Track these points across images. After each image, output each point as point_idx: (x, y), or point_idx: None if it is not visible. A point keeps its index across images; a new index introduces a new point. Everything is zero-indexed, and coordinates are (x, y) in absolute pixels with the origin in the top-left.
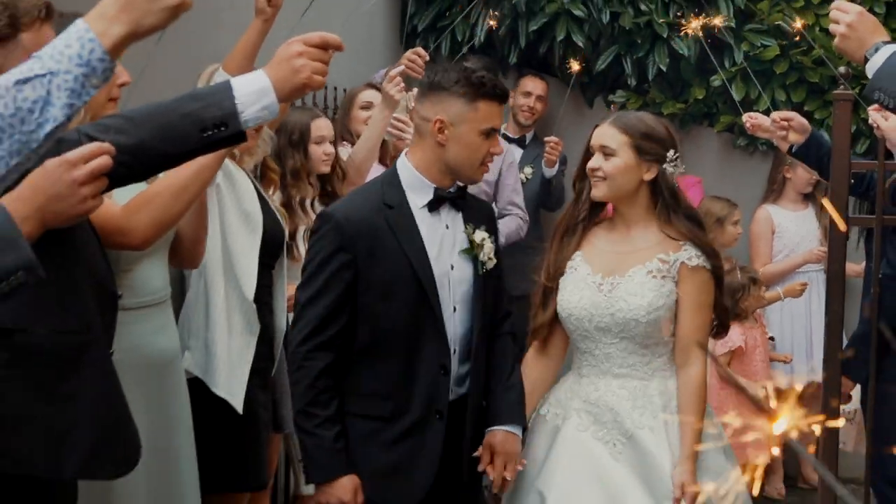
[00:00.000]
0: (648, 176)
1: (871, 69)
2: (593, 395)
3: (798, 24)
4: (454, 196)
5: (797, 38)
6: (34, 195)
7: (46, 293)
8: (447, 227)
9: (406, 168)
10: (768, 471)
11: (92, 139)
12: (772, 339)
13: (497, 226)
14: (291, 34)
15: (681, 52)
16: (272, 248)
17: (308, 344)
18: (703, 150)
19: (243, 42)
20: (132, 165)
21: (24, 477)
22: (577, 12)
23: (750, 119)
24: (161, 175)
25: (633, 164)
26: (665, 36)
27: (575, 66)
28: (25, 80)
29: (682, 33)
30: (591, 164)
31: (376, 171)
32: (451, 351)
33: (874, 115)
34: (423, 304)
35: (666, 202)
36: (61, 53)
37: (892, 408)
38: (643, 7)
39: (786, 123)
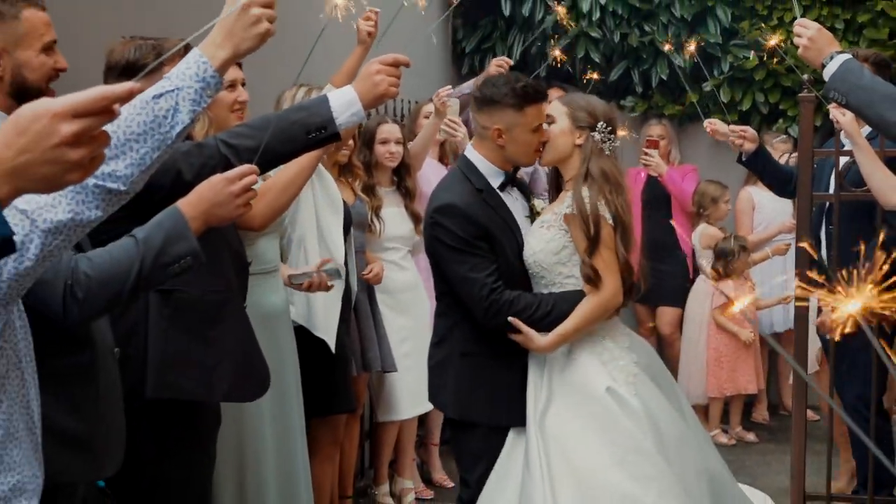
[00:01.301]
0: (579, 141)
1: (827, 74)
2: None
3: (772, 39)
4: (514, 176)
5: (772, 51)
6: (200, 202)
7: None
8: (515, 199)
9: (480, 160)
10: (755, 400)
11: (226, 144)
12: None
13: None
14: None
15: (678, 64)
16: (346, 226)
17: (489, 298)
18: (698, 144)
19: (347, 64)
20: (259, 163)
21: (184, 402)
22: (593, 34)
23: (710, 125)
24: (271, 173)
25: (567, 130)
26: (665, 51)
27: (594, 76)
28: (160, 95)
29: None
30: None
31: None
32: None
33: (834, 111)
34: (519, 254)
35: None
36: (184, 73)
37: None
38: (647, 28)
39: (743, 133)
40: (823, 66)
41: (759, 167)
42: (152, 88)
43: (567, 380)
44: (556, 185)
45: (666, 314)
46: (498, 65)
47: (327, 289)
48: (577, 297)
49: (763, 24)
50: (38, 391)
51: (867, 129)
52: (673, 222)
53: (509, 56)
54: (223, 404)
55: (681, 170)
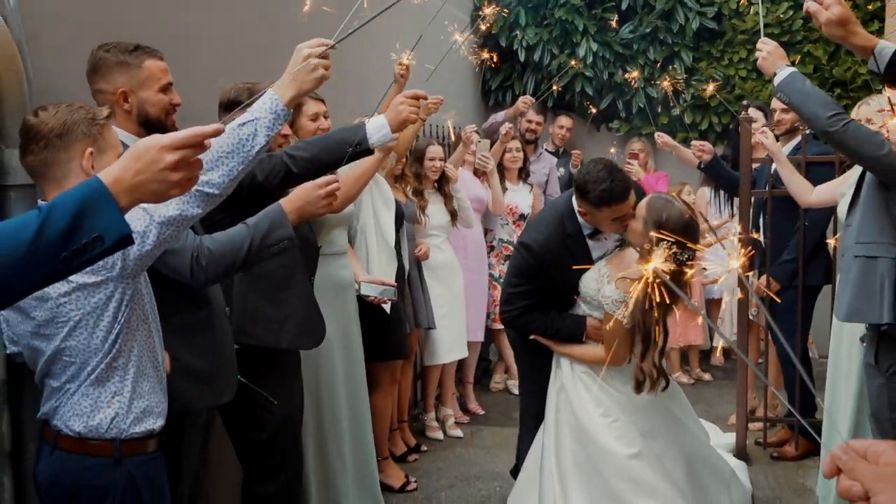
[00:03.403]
0: (647, 246)
1: (777, 80)
2: None
3: (710, 87)
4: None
5: (719, 87)
6: (297, 200)
7: None
8: (605, 240)
9: (579, 213)
10: (713, 347)
11: (288, 155)
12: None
13: None
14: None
15: (652, 95)
16: (396, 220)
17: (518, 317)
18: (668, 156)
19: (388, 98)
20: (310, 168)
21: (264, 349)
22: (587, 73)
23: (660, 137)
24: (340, 171)
25: (640, 231)
26: (643, 86)
27: (591, 109)
28: (244, 123)
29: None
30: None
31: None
32: None
33: (759, 136)
34: (568, 286)
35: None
36: (261, 107)
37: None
38: (628, 68)
39: (702, 148)
40: (775, 75)
41: (715, 173)
42: (238, 119)
43: (581, 369)
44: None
45: None
46: (524, 102)
47: (384, 303)
48: (577, 320)
49: (717, 63)
50: (161, 339)
51: (789, 147)
52: None
53: (524, 92)
54: (305, 351)
55: (655, 175)
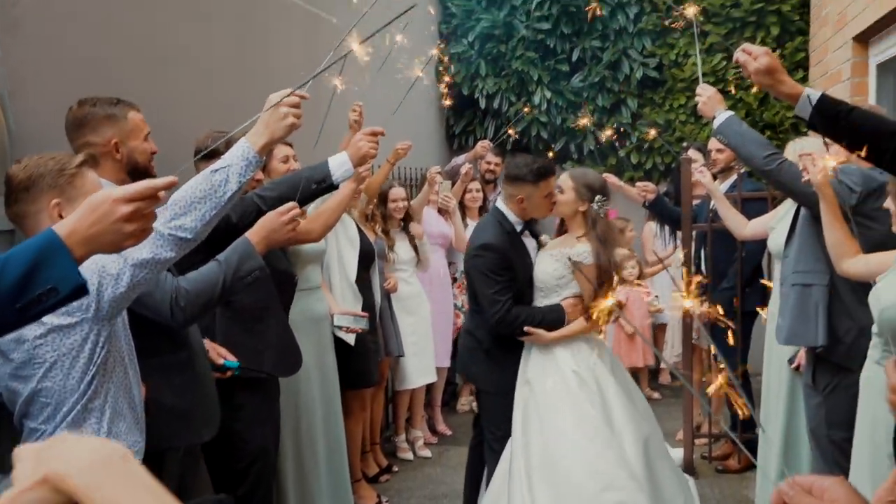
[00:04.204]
0: (582, 209)
1: (716, 123)
2: None
3: (652, 132)
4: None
5: (665, 127)
6: (261, 230)
7: None
8: (529, 238)
9: (508, 212)
10: (660, 368)
11: (258, 195)
12: (656, 296)
13: None
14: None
15: (601, 138)
16: (367, 257)
17: (505, 316)
18: (616, 194)
19: (343, 142)
20: (279, 206)
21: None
22: (543, 119)
23: (608, 178)
24: (327, 202)
25: (572, 200)
26: (593, 130)
27: (549, 153)
28: (216, 170)
29: (602, 128)
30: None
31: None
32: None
33: (697, 175)
34: (530, 279)
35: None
36: (234, 154)
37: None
38: (579, 115)
39: (646, 188)
40: (714, 118)
41: (658, 210)
42: (211, 165)
43: (546, 364)
44: (561, 230)
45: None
46: (483, 146)
47: (357, 332)
48: (557, 308)
49: (658, 109)
50: (138, 379)
51: (725, 185)
52: None
53: (484, 136)
54: (285, 380)
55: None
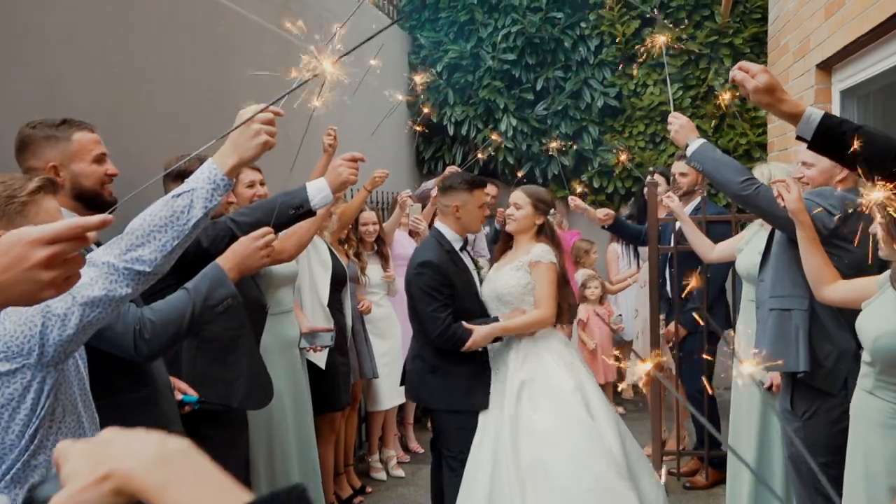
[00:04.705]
0: (539, 221)
1: (690, 150)
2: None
3: (622, 155)
4: (466, 242)
5: (622, 155)
6: (234, 256)
7: None
8: (466, 258)
9: (446, 230)
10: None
11: (232, 220)
12: (619, 315)
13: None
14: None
15: (565, 163)
16: (339, 280)
17: (445, 333)
18: (580, 216)
19: (317, 166)
20: (251, 231)
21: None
22: (509, 145)
23: (573, 201)
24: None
25: (530, 214)
26: (556, 155)
27: (518, 174)
28: (178, 195)
29: (565, 154)
30: (508, 211)
31: (402, 235)
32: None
33: (666, 200)
34: (475, 295)
35: (547, 234)
36: (198, 177)
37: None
38: (543, 140)
39: (607, 215)
40: (687, 146)
41: (617, 230)
42: (173, 190)
43: (540, 378)
44: (506, 246)
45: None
46: (451, 171)
47: (321, 349)
48: (488, 321)
49: (619, 136)
50: (96, 425)
51: (689, 207)
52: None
53: (453, 162)
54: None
55: (569, 233)
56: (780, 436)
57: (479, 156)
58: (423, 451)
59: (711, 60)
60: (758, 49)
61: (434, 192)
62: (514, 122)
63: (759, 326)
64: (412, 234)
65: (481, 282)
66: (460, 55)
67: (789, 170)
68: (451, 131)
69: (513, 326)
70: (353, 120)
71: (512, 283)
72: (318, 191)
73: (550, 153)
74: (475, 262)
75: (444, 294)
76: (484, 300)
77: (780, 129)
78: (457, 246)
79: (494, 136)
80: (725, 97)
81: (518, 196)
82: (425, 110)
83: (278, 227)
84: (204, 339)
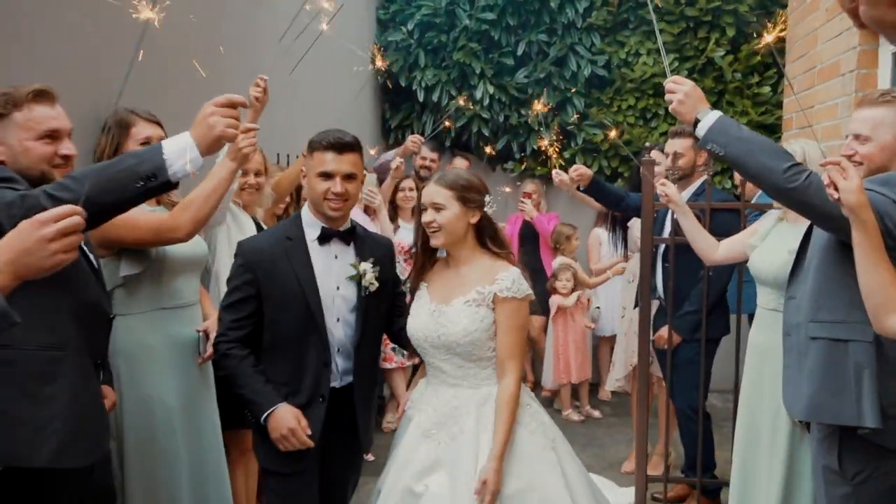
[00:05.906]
0: (474, 220)
1: (703, 128)
2: (434, 401)
3: (612, 132)
4: (342, 233)
5: (612, 130)
6: (5, 251)
7: (32, 316)
8: (336, 257)
9: (305, 210)
10: (600, 383)
11: (49, 195)
12: (598, 308)
13: (393, 258)
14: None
15: (546, 138)
16: None
17: (226, 337)
18: (560, 197)
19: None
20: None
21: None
22: (484, 115)
23: (558, 176)
24: (196, 189)
25: (460, 214)
26: (536, 129)
27: (487, 150)
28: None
29: (547, 127)
30: (425, 218)
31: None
32: (335, 350)
33: (661, 188)
34: (310, 316)
35: (491, 236)
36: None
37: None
38: (523, 111)
39: (581, 174)
40: (697, 121)
41: (594, 192)
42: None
43: (519, 455)
44: (427, 266)
45: (535, 321)
46: (413, 141)
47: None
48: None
49: (606, 109)
50: None
51: (687, 194)
52: (540, 253)
53: (422, 132)
54: (135, 438)
55: (547, 216)
56: (810, 494)
57: (447, 125)
58: (372, 459)
59: (712, 29)
60: (763, 20)
61: (395, 164)
62: (490, 89)
63: (791, 359)
64: (367, 210)
65: (365, 295)
66: (434, 12)
67: (822, 150)
68: (420, 97)
69: (505, 441)
70: (308, 77)
71: (472, 327)
72: (178, 153)
73: (531, 123)
74: (357, 269)
75: (241, 291)
76: (417, 345)
77: (798, 105)
78: (311, 234)
79: (461, 101)
80: (767, 38)
81: (434, 192)
82: (378, 64)
83: (121, 207)
84: (9, 363)
